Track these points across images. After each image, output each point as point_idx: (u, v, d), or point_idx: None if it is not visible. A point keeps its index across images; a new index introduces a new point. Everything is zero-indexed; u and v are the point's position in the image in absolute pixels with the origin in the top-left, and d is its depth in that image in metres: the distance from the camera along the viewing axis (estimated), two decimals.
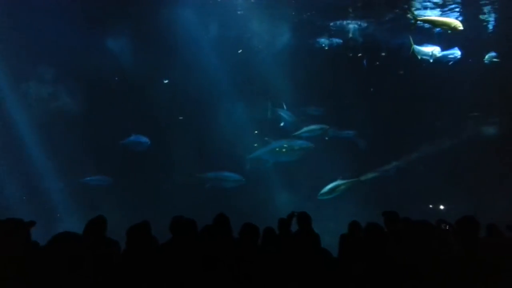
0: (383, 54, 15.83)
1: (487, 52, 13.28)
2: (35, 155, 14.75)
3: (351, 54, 16.00)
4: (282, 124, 15.37)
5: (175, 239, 4.59)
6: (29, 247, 3.86)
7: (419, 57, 12.40)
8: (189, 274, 4.08)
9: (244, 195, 14.05)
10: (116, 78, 15.17)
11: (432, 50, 12.45)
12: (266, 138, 14.60)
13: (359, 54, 15.99)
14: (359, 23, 14.88)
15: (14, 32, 13.21)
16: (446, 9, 13.43)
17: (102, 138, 14.63)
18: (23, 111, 14.67)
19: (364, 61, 16.22)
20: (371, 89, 15.76)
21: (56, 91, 14.88)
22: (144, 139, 14.67)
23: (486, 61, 13.21)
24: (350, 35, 15.29)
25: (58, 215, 13.08)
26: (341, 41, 15.67)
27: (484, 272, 3.83)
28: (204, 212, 6.06)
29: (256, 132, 15.30)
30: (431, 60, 12.48)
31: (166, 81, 15.60)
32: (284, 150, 14.07)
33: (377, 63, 15.85)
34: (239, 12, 13.75)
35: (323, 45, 15.78)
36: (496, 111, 14.90)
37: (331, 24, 15.01)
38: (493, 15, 14.02)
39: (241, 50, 15.34)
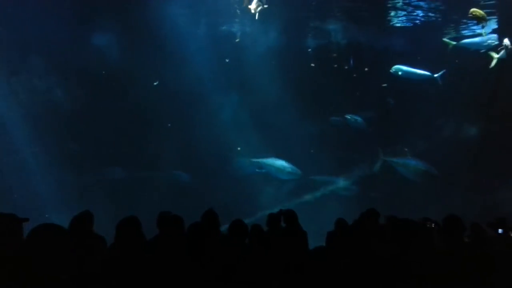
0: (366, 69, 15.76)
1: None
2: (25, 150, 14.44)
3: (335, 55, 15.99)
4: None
5: (162, 234, 4.57)
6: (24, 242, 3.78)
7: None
8: (176, 270, 4.06)
9: (228, 191, 14.00)
10: (103, 72, 14.90)
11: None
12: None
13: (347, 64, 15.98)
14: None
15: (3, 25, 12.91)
16: None
17: (91, 133, 14.45)
18: (13, 105, 14.28)
19: (351, 61, 16.23)
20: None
21: (46, 85, 14.48)
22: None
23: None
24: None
25: (47, 215, 12.73)
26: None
27: (467, 271, 3.91)
28: (189, 208, 6.05)
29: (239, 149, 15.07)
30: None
31: (155, 83, 15.30)
32: (412, 169, 13.37)
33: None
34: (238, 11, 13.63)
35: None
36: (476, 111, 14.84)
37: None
38: None
39: (228, 60, 15.10)
